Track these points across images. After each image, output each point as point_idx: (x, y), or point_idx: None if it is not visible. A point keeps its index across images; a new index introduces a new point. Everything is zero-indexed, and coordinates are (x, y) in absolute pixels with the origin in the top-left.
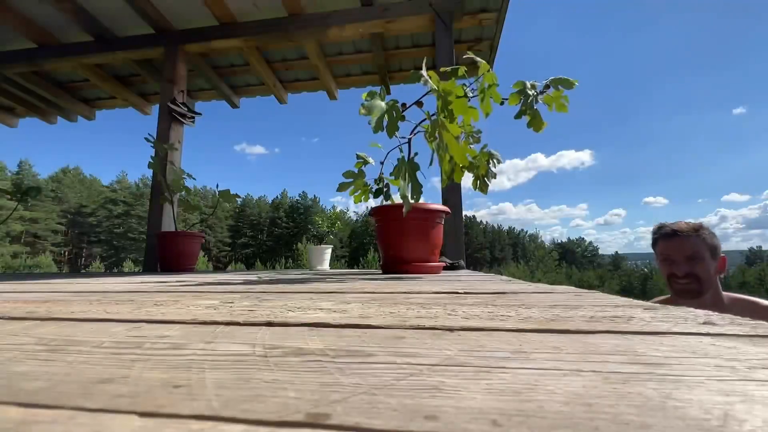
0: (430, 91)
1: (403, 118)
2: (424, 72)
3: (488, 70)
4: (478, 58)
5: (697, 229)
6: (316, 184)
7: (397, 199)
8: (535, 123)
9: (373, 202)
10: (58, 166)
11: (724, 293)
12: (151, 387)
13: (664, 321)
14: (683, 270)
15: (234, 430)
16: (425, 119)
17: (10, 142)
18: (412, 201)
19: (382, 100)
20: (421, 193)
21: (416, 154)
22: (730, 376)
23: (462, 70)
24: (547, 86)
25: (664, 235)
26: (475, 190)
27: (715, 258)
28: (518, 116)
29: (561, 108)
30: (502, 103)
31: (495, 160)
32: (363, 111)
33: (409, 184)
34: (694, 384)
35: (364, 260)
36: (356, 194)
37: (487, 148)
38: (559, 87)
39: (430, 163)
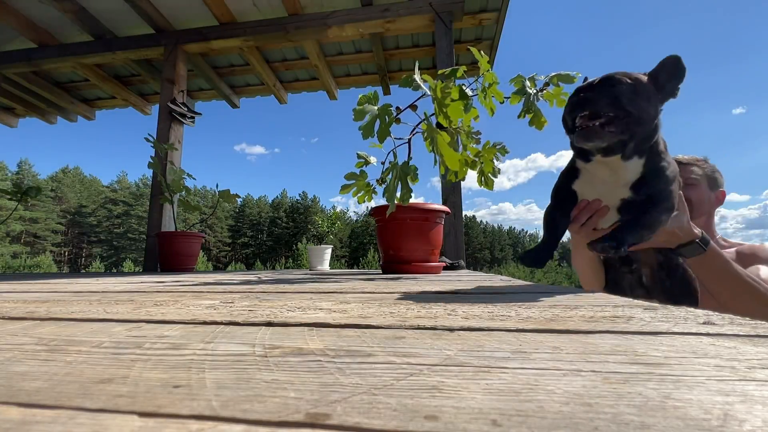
0: (423, 95)
1: (398, 121)
2: (416, 76)
3: (488, 70)
4: (481, 52)
5: (698, 160)
6: (316, 184)
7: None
8: (537, 121)
9: (374, 203)
10: (58, 166)
11: (730, 240)
12: (150, 387)
13: (664, 321)
14: None
15: (234, 430)
16: (425, 119)
17: (10, 142)
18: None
19: (376, 103)
20: (410, 196)
21: (410, 158)
22: (729, 376)
23: (461, 71)
24: (546, 84)
25: None
26: (480, 186)
27: (712, 189)
28: (521, 116)
29: (562, 104)
30: (502, 102)
31: (499, 153)
32: (355, 116)
33: (399, 187)
34: (693, 384)
35: (364, 260)
36: (359, 195)
37: (491, 144)
38: (560, 84)
39: (435, 163)
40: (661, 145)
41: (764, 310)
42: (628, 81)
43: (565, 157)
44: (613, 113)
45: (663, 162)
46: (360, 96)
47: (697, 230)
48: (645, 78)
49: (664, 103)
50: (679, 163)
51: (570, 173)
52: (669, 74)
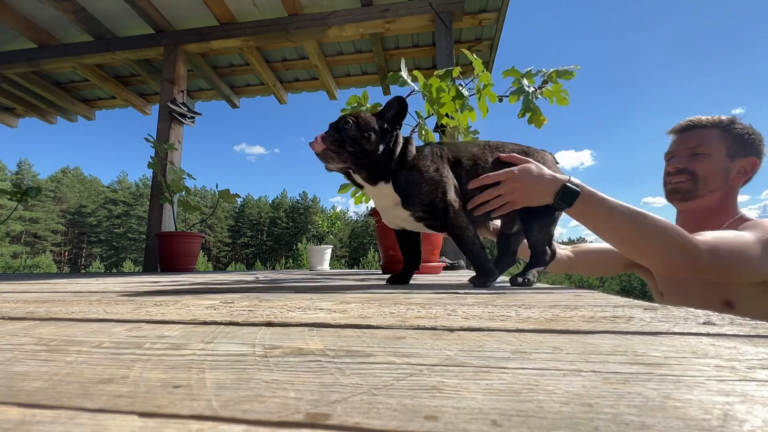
0: (412, 92)
1: None
2: (403, 73)
3: (483, 71)
4: (474, 56)
5: (720, 122)
6: (316, 185)
7: None
8: (535, 119)
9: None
10: (58, 166)
11: (752, 218)
12: (150, 387)
13: (664, 321)
14: (677, 164)
15: (234, 430)
16: (420, 120)
17: (10, 142)
18: None
19: (366, 103)
20: None
21: None
22: (729, 377)
23: (456, 71)
24: (545, 81)
25: (673, 132)
26: None
27: (734, 158)
28: (521, 115)
29: (562, 101)
30: (501, 101)
31: None
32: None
33: None
34: (693, 384)
35: (364, 260)
36: (357, 195)
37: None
38: (558, 80)
39: None
40: (426, 161)
41: (660, 237)
42: (350, 121)
43: (565, 157)
44: (334, 146)
45: (415, 174)
46: (350, 97)
47: (562, 177)
48: (369, 116)
49: (393, 132)
50: (693, 127)
51: None
52: (393, 111)
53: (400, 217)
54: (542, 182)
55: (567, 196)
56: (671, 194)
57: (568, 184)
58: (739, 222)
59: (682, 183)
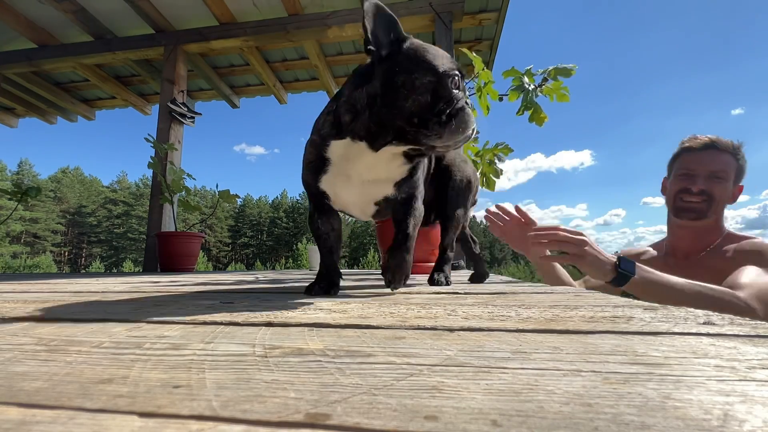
0: None
1: None
2: None
3: (483, 68)
4: (473, 54)
5: (737, 149)
6: None
7: None
8: (536, 117)
9: None
10: (58, 166)
11: (735, 232)
12: (150, 387)
13: (664, 321)
14: (700, 185)
15: (234, 430)
16: None
17: (10, 142)
18: None
19: None
20: None
21: None
22: (730, 377)
23: None
24: (545, 79)
25: (692, 149)
26: (481, 186)
27: (735, 184)
28: (520, 112)
29: (562, 98)
30: (501, 100)
31: (501, 153)
32: None
33: None
34: (693, 384)
35: (364, 260)
36: None
37: (490, 144)
38: (558, 78)
39: None
40: None
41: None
42: None
43: (564, 157)
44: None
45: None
46: None
47: (610, 261)
48: None
49: None
50: (714, 147)
51: (317, 168)
52: None
53: (370, 193)
54: (605, 256)
55: (627, 266)
56: (684, 212)
57: (622, 257)
58: (729, 237)
59: (698, 204)
